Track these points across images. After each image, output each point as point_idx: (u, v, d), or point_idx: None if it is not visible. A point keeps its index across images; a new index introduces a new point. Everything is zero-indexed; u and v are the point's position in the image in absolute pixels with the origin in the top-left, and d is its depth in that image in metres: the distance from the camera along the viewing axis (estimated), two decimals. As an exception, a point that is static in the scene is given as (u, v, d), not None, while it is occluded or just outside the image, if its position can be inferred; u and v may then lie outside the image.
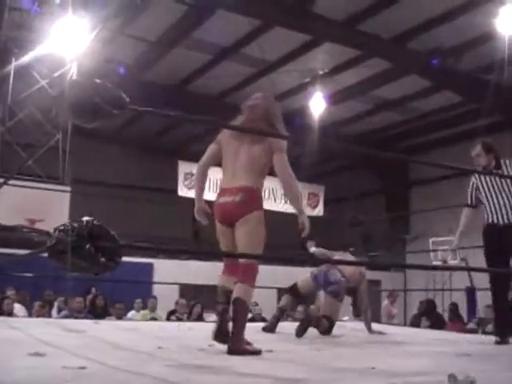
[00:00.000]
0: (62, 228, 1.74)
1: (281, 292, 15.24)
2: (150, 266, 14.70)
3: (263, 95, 4.11)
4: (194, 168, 16.39)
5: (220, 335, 3.73)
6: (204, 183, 4.43)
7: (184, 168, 16.15)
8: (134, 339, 4.48)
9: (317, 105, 14.28)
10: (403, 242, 18.25)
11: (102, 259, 1.75)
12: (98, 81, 2.08)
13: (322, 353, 3.82)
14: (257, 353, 3.54)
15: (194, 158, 17.30)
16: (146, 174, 17.83)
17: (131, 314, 10.42)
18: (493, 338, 4.78)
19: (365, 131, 17.41)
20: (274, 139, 3.89)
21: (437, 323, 9.77)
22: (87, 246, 1.71)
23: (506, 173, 5.00)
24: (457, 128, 15.82)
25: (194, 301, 10.61)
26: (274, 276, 12.79)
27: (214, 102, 15.84)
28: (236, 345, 3.52)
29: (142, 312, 10.38)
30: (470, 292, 12.06)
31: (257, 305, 11.74)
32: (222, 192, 3.89)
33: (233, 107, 14.73)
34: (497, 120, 14.05)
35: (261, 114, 3.92)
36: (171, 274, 12.96)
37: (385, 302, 11.71)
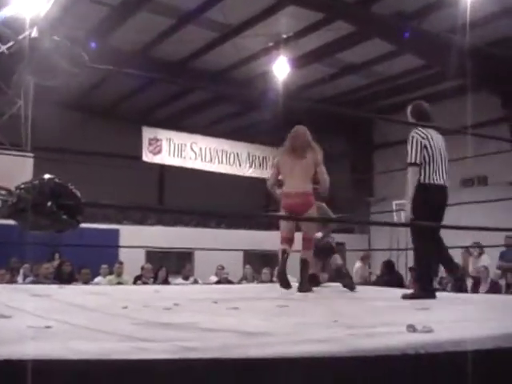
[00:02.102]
0: (22, 186, 1.75)
1: (246, 255, 15.52)
2: (116, 232, 14.70)
3: (302, 128, 6.05)
4: (158, 133, 16.45)
5: (282, 282, 5.65)
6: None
7: (148, 133, 16.08)
8: (100, 301, 4.52)
9: (281, 69, 14.27)
10: (367, 204, 18.49)
11: (64, 217, 1.77)
12: (57, 38, 2.07)
13: (289, 308, 3.91)
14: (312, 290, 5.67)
15: (159, 123, 17.30)
16: (109, 140, 17.69)
17: (98, 279, 10.46)
18: (451, 295, 4.93)
19: (329, 95, 17.45)
20: (315, 156, 5.86)
21: (396, 282, 10.03)
22: (48, 204, 1.73)
23: (407, 145, 5.10)
24: (420, 91, 15.94)
25: (160, 265, 10.69)
26: (239, 240, 12.92)
27: (178, 67, 15.69)
28: (304, 287, 5.61)
29: (109, 277, 10.42)
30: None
31: (223, 268, 11.83)
32: (287, 195, 5.82)
33: (197, 72, 14.70)
34: (460, 83, 14.19)
35: (304, 140, 5.90)
36: (137, 239, 12.97)
37: (358, 264, 11.84)
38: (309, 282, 5.97)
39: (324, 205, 6.74)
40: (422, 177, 5.02)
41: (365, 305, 4.45)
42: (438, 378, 1.98)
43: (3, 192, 1.76)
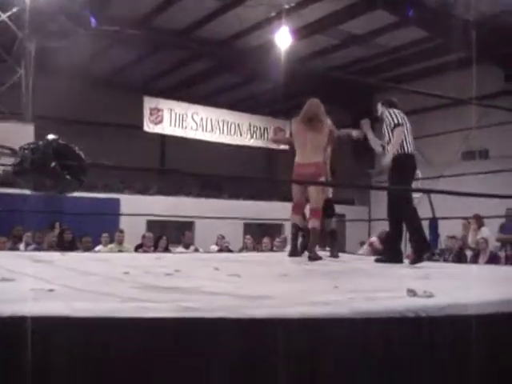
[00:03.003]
0: (26, 146, 1.75)
1: (246, 225, 15.57)
2: (117, 201, 14.72)
3: (316, 100, 6.13)
4: (159, 103, 16.40)
5: (293, 254, 6.08)
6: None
7: (149, 103, 16.05)
8: (102, 267, 4.54)
9: (283, 40, 14.17)
10: (368, 176, 18.50)
11: (68, 177, 1.78)
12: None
13: (290, 276, 3.94)
14: (321, 258, 5.74)
15: (160, 93, 17.22)
16: (110, 110, 17.62)
17: (98, 248, 10.48)
18: (451, 265, 5.03)
19: (331, 66, 17.35)
20: (330, 128, 6.20)
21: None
22: (52, 164, 1.73)
23: (385, 119, 5.56)
24: (423, 63, 15.86)
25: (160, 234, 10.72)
26: (240, 210, 12.94)
27: (180, 36, 15.57)
28: (312, 254, 5.70)
29: (110, 246, 10.44)
30: (433, 224, 12.32)
31: (224, 238, 11.87)
32: (299, 165, 5.98)
33: (199, 42, 14.59)
34: (463, 56, 14.10)
35: (319, 111, 6.06)
36: (138, 209, 13.00)
37: (372, 239, 11.83)
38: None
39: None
40: (403, 145, 5.40)
41: (365, 272, 4.47)
42: (437, 342, 2.00)
43: (7, 151, 1.76)
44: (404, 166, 5.36)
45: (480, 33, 12.51)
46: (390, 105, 5.70)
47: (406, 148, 5.37)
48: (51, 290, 2.57)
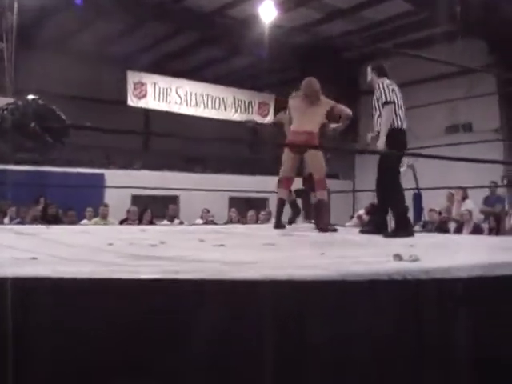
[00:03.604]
0: (5, 107, 1.71)
1: (231, 199, 15.55)
2: (101, 176, 14.63)
3: (314, 79, 6.24)
4: (143, 77, 16.24)
5: (279, 226, 6.14)
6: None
7: (133, 77, 15.87)
8: (86, 239, 4.51)
9: (267, 13, 14.05)
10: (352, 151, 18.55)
11: (49, 139, 1.73)
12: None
13: (276, 245, 3.92)
14: (335, 230, 5.91)
15: (144, 67, 17.03)
16: (93, 83, 17.40)
17: (83, 222, 10.42)
18: (435, 235, 5.04)
19: (315, 40, 17.25)
20: (327, 104, 6.25)
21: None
22: (32, 125, 1.69)
23: (376, 90, 5.42)
24: (409, 37, 15.79)
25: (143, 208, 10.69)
26: (225, 185, 12.91)
27: (162, 8, 15.38)
28: (323, 226, 5.85)
29: (94, 219, 10.38)
30: (417, 197, 12.37)
31: (208, 212, 11.85)
32: (294, 133, 6.05)
33: (182, 15, 14.39)
34: (449, 29, 14.06)
35: (317, 88, 6.20)
36: (123, 183, 12.90)
37: (360, 212, 11.84)
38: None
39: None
40: (392, 121, 5.27)
41: (352, 242, 4.48)
42: (424, 305, 1.99)
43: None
44: (395, 142, 5.25)
45: (465, 6, 12.48)
46: (380, 72, 5.57)
47: (396, 124, 5.27)
48: (34, 258, 2.54)
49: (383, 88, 5.30)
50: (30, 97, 1.72)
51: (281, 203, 6.30)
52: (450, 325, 2.00)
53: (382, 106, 5.27)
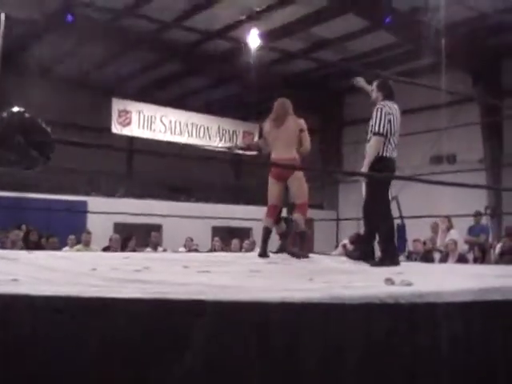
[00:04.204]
0: (-11, 119, 1.65)
1: (214, 229, 15.48)
2: (84, 203, 14.52)
3: (282, 99, 6.26)
4: (127, 105, 16.23)
5: (264, 255, 6.04)
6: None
7: (118, 105, 15.87)
8: (69, 264, 4.41)
9: (252, 43, 14.13)
10: (336, 181, 18.59)
11: (34, 153, 1.68)
12: None
13: (262, 272, 3.86)
14: (306, 257, 5.92)
15: (129, 95, 17.02)
16: (78, 110, 17.38)
17: (65, 249, 10.29)
18: (422, 264, 4.99)
19: (301, 70, 17.37)
20: (299, 123, 6.15)
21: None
22: (17, 138, 1.63)
23: (374, 112, 5.25)
24: (393, 69, 15.94)
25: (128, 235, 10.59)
26: (208, 214, 12.88)
27: (149, 39, 15.45)
28: (294, 251, 6.02)
29: (76, 247, 10.25)
30: (401, 229, 12.38)
31: (192, 240, 11.77)
32: (276, 160, 6.04)
33: (168, 44, 14.43)
34: (432, 62, 14.21)
35: (284, 108, 6.17)
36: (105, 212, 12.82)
37: (345, 241, 11.78)
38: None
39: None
40: (383, 150, 5.18)
41: (338, 269, 4.42)
42: (418, 329, 1.94)
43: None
44: (383, 170, 5.17)
45: (449, 39, 12.62)
46: (386, 93, 5.41)
47: (385, 153, 5.18)
48: (15, 280, 2.47)
49: (379, 117, 5.17)
50: (16, 109, 1.66)
51: (266, 231, 6.23)
52: (445, 348, 1.95)
53: (373, 134, 5.19)
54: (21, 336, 1.41)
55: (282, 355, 1.64)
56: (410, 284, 2.27)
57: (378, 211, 5.26)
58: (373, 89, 5.51)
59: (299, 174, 6.06)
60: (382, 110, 5.20)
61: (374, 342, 1.82)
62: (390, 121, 5.18)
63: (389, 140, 5.18)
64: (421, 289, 2.15)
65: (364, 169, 5.20)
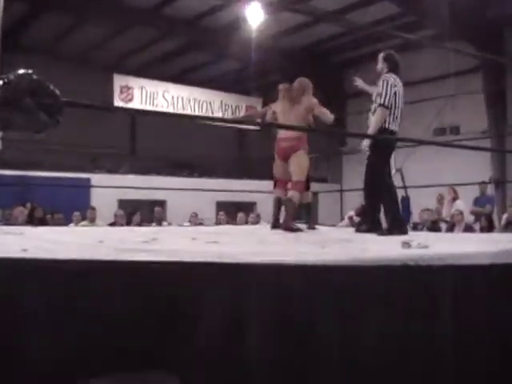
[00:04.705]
0: (-4, 82, 1.60)
1: (219, 203, 15.46)
2: (88, 180, 14.49)
3: (300, 78, 6.10)
4: (129, 81, 16.12)
5: (275, 225, 6.03)
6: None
7: (120, 81, 15.78)
8: (76, 237, 4.38)
9: (254, 16, 13.97)
10: (340, 153, 18.55)
11: (43, 116, 1.63)
12: None
13: (271, 241, 3.82)
14: (299, 230, 5.58)
15: (130, 71, 16.90)
16: (80, 87, 17.22)
17: (71, 226, 10.25)
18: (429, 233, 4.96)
19: (303, 44, 17.23)
20: (312, 102, 5.96)
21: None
22: (26, 100, 1.58)
23: (380, 84, 5.21)
24: (396, 40, 15.75)
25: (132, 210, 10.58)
26: (212, 188, 12.84)
27: (149, 14, 15.27)
28: (288, 225, 5.54)
29: (82, 223, 10.22)
30: (405, 201, 12.36)
31: (197, 215, 11.74)
32: (280, 139, 5.97)
33: (169, 20, 14.29)
34: (436, 32, 14.07)
35: (299, 87, 6.04)
36: (110, 188, 12.78)
37: (351, 213, 11.74)
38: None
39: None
40: (387, 122, 5.16)
41: (348, 239, 4.37)
42: (438, 291, 1.91)
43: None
44: (386, 143, 5.19)
45: (451, 8, 12.48)
46: (392, 66, 5.34)
47: (388, 125, 5.15)
48: (24, 250, 2.44)
49: (386, 88, 5.13)
50: (23, 71, 1.61)
51: (277, 203, 6.21)
52: (465, 310, 1.91)
53: (378, 106, 5.15)
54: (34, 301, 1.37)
55: (303, 318, 1.61)
56: (426, 247, 2.23)
57: (379, 182, 5.23)
58: (379, 59, 5.42)
59: (300, 153, 5.91)
60: (388, 82, 5.17)
61: (395, 303, 1.78)
62: (395, 93, 5.16)
63: (393, 113, 5.17)
64: (439, 250, 2.12)
65: (364, 145, 5.21)
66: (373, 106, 5.29)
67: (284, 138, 5.92)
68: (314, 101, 6.03)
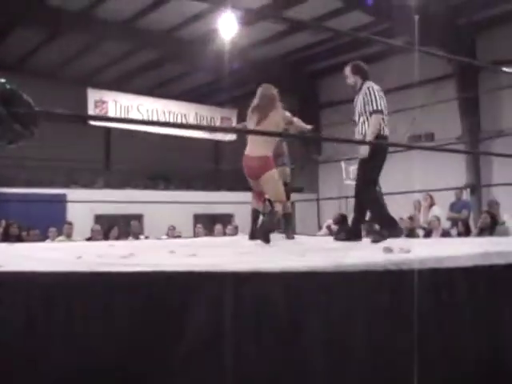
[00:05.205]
0: (-31, 92, 1.56)
1: (196, 216, 15.41)
2: (64, 196, 14.36)
3: (265, 86, 5.72)
4: (103, 95, 16.01)
5: (252, 236, 5.83)
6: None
7: (94, 95, 15.66)
8: (53, 254, 4.31)
9: (228, 27, 13.96)
10: (316, 162, 18.61)
11: (17, 126, 1.59)
12: None
13: (252, 252, 3.79)
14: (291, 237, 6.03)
15: (104, 85, 16.80)
16: (54, 102, 17.07)
17: (47, 242, 10.13)
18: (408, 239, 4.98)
19: (278, 54, 17.29)
20: (284, 117, 5.63)
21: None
22: (-1, 110, 1.54)
23: (364, 93, 5.13)
24: (369, 49, 15.88)
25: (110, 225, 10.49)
26: (189, 201, 12.81)
27: (122, 27, 15.21)
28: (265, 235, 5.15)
29: (59, 238, 10.11)
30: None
31: (174, 228, 11.68)
32: (246, 158, 5.51)
33: (142, 32, 14.18)
34: (408, 40, 14.18)
35: (265, 99, 5.57)
36: (85, 203, 12.69)
37: (329, 221, 11.74)
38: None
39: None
40: (381, 128, 5.08)
41: (328, 247, 4.36)
42: (420, 294, 1.89)
43: None
44: (379, 149, 5.06)
45: (423, 16, 12.59)
46: (364, 75, 5.29)
47: (382, 131, 5.08)
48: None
49: (373, 94, 5.07)
50: (-4, 80, 1.57)
51: (254, 214, 6.09)
52: (448, 313, 1.90)
53: (370, 114, 5.06)
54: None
55: (287, 324, 1.58)
56: (408, 251, 2.22)
57: (370, 191, 5.16)
58: (346, 74, 5.37)
59: (270, 176, 5.47)
60: (373, 88, 5.12)
61: (380, 307, 1.77)
62: (381, 97, 5.11)
63: (384, 118, 5.11)
64: (421, 254, 2.11)
65: (364, 147, 5.06)
66: (361, 118, 5.19)
67: (250, 158, 5.49)
68: (285, 114, 5.70)
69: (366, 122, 5.12)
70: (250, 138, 5.58)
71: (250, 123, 5.62)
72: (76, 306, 1.44)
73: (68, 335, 1.42)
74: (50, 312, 1.40)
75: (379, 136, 5.07)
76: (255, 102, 5.65)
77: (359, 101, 5.19)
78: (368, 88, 5.13)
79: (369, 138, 5.06)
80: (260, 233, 5.36)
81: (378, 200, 5.30)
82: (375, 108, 5.04)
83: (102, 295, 1.44)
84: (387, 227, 5.00)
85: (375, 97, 5.07)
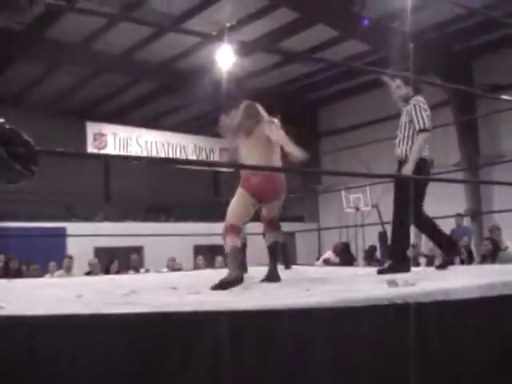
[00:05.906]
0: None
1: (196, 247, 15.32)
2: (63, 229, 14.30)
3: (245, 103, 5.03)
4: (102, 128, 16.07)
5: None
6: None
7: (93, 128, 15.74)
8: (53, 292, 4.27)
9: (225, 58, 14.06)
10: (315, 192, 18.59)
11: (17, 166, 1.57)
12: None
13: (255, 288, 3.75)
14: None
15: (103, 118, 16.86)
16: (52, 136, 17.14)
17: (47, 276, 10.08)
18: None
19: (274, 84, 17.37)
20: (266, 127, 4.82)
21: (349, 262, 10.19)
22: (-1, 150, 1.53)
23: (411, 107, 4.83)
24: (366, 77, 15.97)
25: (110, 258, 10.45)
26: (189, 233, 12.76)
27: (120, 59, 15.31)
28: (274, 275, 4.70)
29: (58, 272, 10.06)
30: (382, 236, 12.42)
31: (174, 260, 11.64)
32: (253, 176, 4.84)
33: (139, 65, 14.27)
34: (404, 68, 14.25)
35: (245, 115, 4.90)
36: (85, 237, 12.63)
37: (329, 252, 11.68)
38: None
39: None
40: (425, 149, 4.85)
41: (332, 276, 4.33)
42: (428, 328, 1.86)
43: None
44: (422, 171, 4.74)
45: (419, 44, 12.69)
46: (417, 88, 4.94)
47: (424, 152, 4.82)
48: (1, 308, 2.35)
49: (420, 112, 4.79)
50: (-5, 120, 1.56)
51: (241, 248, 5.45)
52: (455, 345, 1.87)
53: (417, 132, 4.76)
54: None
55: (295, 361, 1.55)
56: (413, 284, 2.20)
57: (418, 216, 4.90)
58: (399, 85, 5.02)
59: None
60: (420, 105, 4.82)
61: (386, 342, 1.73)
62: (428, 116, 4.81)
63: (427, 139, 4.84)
64: (426, 288, 2.08)
65: (408, 167, 4.71)
66: (401, 135, 4.95)
67: (275, 177, 4.97)
68: (272, 133, 4.86)
69: (409, 139, 4.86)
70: (248, 156, 4.89)
71: (241, 148, 4.92)
72: (78, 347, 1.41)
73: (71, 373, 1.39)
74: (53, 354, 1.37)
75: (421, 158, 4.77)
76: (239, 122, 4.93)
77: (405, 114, 4.93)
78: (415, 105, 4.83)
79: (413, 156, 4.73)
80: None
81: (408, 228, 4.98)
82: (422, 127, 4.75)
83: (103, 337, 1.41)
84: (397, 262, 4.76)
85: (421, 115, 4.79)
